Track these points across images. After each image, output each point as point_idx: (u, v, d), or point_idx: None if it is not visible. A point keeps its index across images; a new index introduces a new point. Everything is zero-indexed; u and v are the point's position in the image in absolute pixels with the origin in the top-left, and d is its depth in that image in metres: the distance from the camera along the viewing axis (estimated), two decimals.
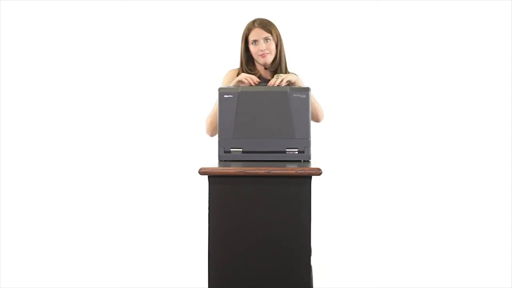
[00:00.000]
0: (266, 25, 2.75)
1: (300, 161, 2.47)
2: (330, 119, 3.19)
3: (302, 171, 2.27)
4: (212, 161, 2.45)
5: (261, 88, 2.54)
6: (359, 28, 4.51)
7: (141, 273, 3.90)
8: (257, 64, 2.84)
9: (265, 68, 2.84)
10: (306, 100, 2.44)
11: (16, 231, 4.28)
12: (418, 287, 3.68)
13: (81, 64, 4.51)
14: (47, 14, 4.46)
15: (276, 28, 2.78)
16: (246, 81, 2.60)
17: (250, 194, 2.28)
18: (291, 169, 2.28)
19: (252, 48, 2.77)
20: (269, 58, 2.79)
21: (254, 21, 2.79)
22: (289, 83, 2.60)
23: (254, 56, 2.80)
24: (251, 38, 2.76)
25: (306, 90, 2.46)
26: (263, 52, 2.76)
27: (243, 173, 2.27)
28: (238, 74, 2.76)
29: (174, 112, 4.53)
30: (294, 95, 2.44)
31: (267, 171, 2.27)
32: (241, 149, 2.46)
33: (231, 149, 2.46)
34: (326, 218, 3.47)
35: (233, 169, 2.30)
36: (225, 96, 2.45)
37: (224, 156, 2.46)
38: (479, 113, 4.47)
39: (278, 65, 2.82)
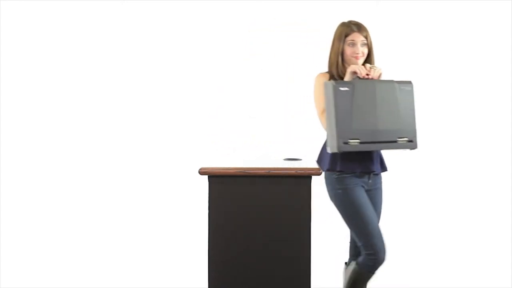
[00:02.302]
0: (363, 30, 2.82)
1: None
2: None
3: (302, 171, 2.27)
4: (212, 161, 2.45)
5: (372, 81, 2.59)
6: None
7: (141, 273, 3.90)
8: (345, 65, 2.85)
9: None
10: (411, 92, 2.57)
11: (16, 231, 4.28)
12: (418, 287, 3.68)
13: (82, 65, 4.51)
14: (47, 14, 4.46)
15: (369, 33, 2.82)
16: (358, 71, 2.66)
17: (250, 194, 2.28)
18: (291, 169, 2.28)
19: (348, 48, 2.82)
20: (361, 61, 2.84)
21: (350, 24, 2.82)
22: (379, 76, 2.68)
23: (348, 56, 2.84)
24: (349, 39, 2.81)
25: (410, 83, 2.57)
26: (357, 54, 2.79)
27: (243, 173, 2.27)
28: (330, 78, 2.79)
29: (174, 112, 4.52)
30: (401, 87, 2.54)
31: (267, 171, 2.26)
32: (358, 140, 2.48)
33: (349, 141, 2.48)
34: (326, 218, 3.46)
35: (233, 169, 2.30)
36: (340, 89, 2.50)
37: (343, 147, 2.46)
38: (479, 113, 4.47)
39: None
